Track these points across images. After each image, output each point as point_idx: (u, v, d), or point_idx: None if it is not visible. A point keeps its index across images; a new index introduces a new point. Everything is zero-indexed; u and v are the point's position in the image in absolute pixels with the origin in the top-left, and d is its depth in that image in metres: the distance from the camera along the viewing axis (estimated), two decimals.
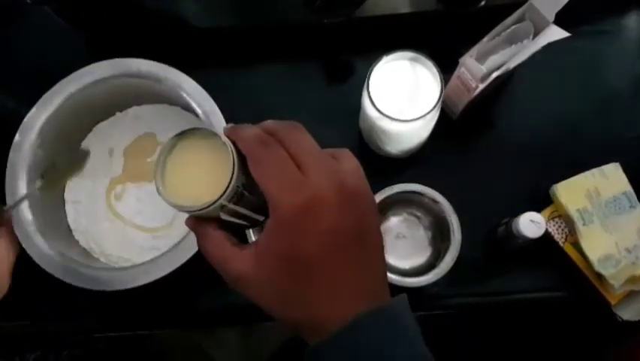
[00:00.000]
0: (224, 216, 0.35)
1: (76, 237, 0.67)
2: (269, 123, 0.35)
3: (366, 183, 0.35)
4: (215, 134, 0.34)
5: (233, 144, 0.34)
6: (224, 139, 0.33)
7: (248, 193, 0.35)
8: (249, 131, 0.33)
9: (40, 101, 0.64)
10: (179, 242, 0.60)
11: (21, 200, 0.54)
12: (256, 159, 0.32)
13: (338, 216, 0.32)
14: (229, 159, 0.33)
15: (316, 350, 0.32)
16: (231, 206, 0.34)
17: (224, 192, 0.32)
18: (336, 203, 0.32)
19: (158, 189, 0.34)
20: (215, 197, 0.32)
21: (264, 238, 0.33)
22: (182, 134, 0.35)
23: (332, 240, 0.32)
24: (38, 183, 0.56)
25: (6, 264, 0.48)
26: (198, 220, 0.36)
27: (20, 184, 0.62)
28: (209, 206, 0.32)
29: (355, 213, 0.33)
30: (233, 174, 0.32)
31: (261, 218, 0.38)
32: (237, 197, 0.34)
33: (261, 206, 0.35)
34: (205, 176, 0.34)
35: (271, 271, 0.33)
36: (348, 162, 0.35)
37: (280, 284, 0.33)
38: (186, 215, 0.36)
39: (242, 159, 0.33)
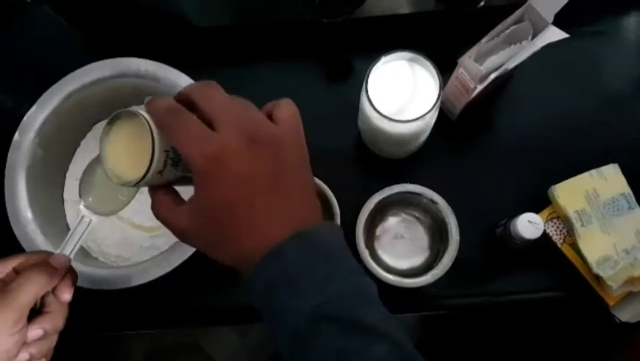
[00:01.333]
0: (168, 179, 0.38)
1: None
2: (185, 87, 0.38)
3: (294, 129, 0.38)
4: (133, 113, 0.37)
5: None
6: (143, 115, 0.37)
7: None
8: (159, 103, 0.37)
9: (40, 100, 0.64)
10: (178, 241, 0.60)
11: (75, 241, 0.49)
12: (167, 128, 0.36)
13: (248, 163, 0.35)
14: (148, 133, 0.36)
15: (246, 281, 0.36)
16: (169, 170, 0.37)
17: (150, 164, 0.36)
18: (246, 151, 0.35)
19: (105, 171, 0.38)
20: (144, 170, 0.36)
21: (194, 193, 0.36)
22: (113, 118, 0.38)
23: (244, 183, 0.35)
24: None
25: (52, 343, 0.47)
26: (153, 188, 0.39)
27: (19, 183, 0.62)
28: (142, 179, 0.36)
29: (268, 160, 0.36)
30: (154, 146, 0.36)
31: None
32: (173, 160, 0.37)
33: None
34: (137, 152, 0.37)
35: (200, 220, 0.36)
36: (282, 111, 0.38)
37: (208, 230, 0.36)
38: None
39: None
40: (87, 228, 0.50)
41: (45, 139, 0.64)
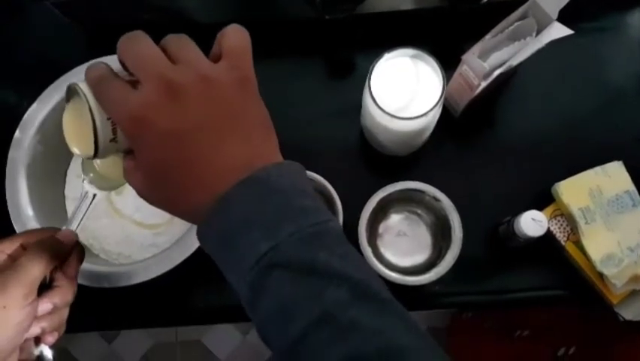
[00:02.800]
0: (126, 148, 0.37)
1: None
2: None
3: (235, 62, 0.37)
4: (73, 89, 0.36)
5: None
6: (80, 88, 0.35)
7: None
8: (91, 73, 0.35)
9: (41, 97, 0.64)
10: (180, 239, 0.60)
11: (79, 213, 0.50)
12: (97, 96, 0.35)
13: (172, 117, 0.33)
14: (85, 105, 0.35)
15: (199, 237, 0.35)
16: (123, 136, 0.36)
17: (95, 135, 0.35)
18: (168, 105, 0.33)
19: (71, 147, 0.38)
20: (93, 142, 0.35)
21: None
22: (68, 97, 0.38)
23: (173, 140, 0.33)
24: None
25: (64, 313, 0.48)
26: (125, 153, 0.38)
27: (20, 181, 0.62)
28: (97, 151, 0.35)
29: (196, 108, 0.33)
30: (93, 117, 0.35)
31: None
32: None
33: None
34: (84, 126, 0.36)
35: (147, 181, 0.36)
36: (226, 40, 0.37)
37: (156, 190, 0.36)
38: None
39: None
40: (91, 203, 0.50)
41: (46, 136, 0.64)
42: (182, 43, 0.36)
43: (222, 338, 1.44)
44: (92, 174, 0.49)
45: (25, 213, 0.61)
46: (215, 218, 0.33)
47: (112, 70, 0.35)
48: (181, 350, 1.45)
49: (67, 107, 0.39)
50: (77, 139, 0.38)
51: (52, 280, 0.46)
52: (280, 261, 0.32)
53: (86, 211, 0.50)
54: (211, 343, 1.44)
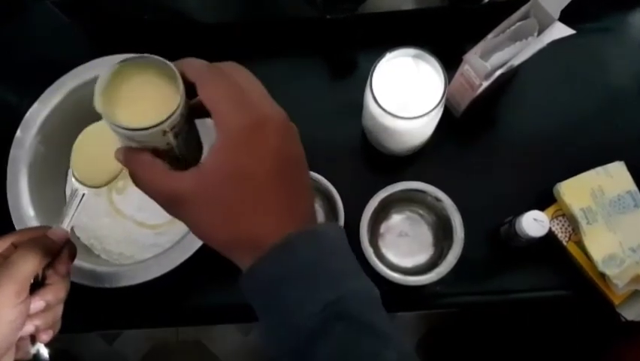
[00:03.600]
0: (163, 143, 0.35)
1: (77, 233, 0.67)
2: (216, 63, 0.36)
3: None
4: (162, 62, 0.34)
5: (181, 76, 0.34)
6: (171, 65, 0.34)
7: (187, 129, 0.36)
8: (198, 61, 0.34)
9: (42, 96, 0.64)
10: (181, 239, 0.60)
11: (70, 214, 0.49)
12: (204, 81, 0.33)
13: (282, 140, 0.34)
14: (176, 87, 0.33)
15: (251, 269, 0.33)
16: (171, 137, 0.34)
17: (172, 113, 0.33)
18: (281, 129, 0.34)
19: (99, 110, 0.34)
20: (163, 117, 0.32)
21: (210, 158, 0.33)
22: (130, 61, 0.35)
23: (277, 161, 0.33)
24: None
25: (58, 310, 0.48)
26: (130, 149, 0.36)
27: (21, 180, 0.62)
28: (155, 126, 0.33)
29: (295, 143, 0.35)
30: (181, 98, 0.33)
31: (196, 157, 0.39)
32: (177, 129, 0.34)
33: (195, 147, 0.37)
34: (151, 100, 0.34)
35: (218, 189, 0.33)
36: None
37: (226, 201, 0.33)
38: None
39: (186, 91, 0.34)
40: (80, 200, 0.50)
41: (47, 136, 0.64)
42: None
43: (223, 338, 1.44)
44: (77, 172, 0.50)
45: (27, 213, 0.61)
46: (278, 259, 0.33)
47: None
48: (182, 350, 1.45)
49: (135, 72, 0.35)
50: (137, 110, 0.35)
51: (44, 278, 0.46)
52: (344, 313, 0.32)
53: (76, 210, 0.50)
54: (212, 343, 1.44)
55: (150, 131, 0.33)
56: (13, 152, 0.62)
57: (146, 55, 0.35)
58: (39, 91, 0.64)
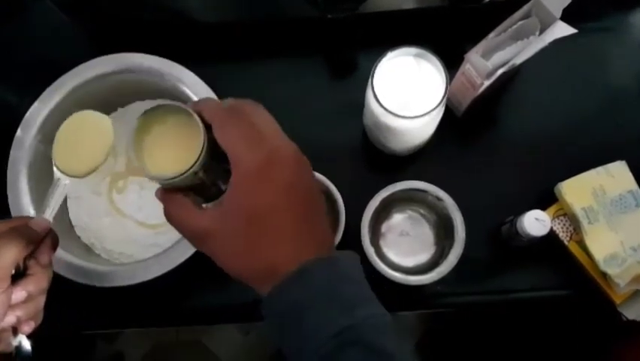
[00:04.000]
0: (193, 183, 0.38)
1: (78, 233, 0.67)
2: (229, 99, 0.38)
3: None
4: (181, 108, 0.37)
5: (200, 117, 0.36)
6: (191, 110, 0.36)
7: (214, 166, 0.38)
8: (212, 102, 0.37)
9: (42, 96, 0.64)
10: (181, 239, 0.60)
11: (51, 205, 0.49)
12: (221, 122, 0.36)
13: (295, 172, 0.36)
14: (198, 129, 0.36)
15: (270, 296, 0.35)
16: (200, 174, 0.37)
17: (198, 157, 0.35)
18: (294, 161, 0.36)
19: (134, 162, 0.37)
20: (189, 165, 0.35)
21: (228, 194, 0.35)
22: (150, 112, 0.37)
23: (290, 192, 0.35)
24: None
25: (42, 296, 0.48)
26: (167, 190, 0.38)
27: (22, 180, 0.62)
28: (184, 173, 0.35)
29: (308, 174, 0.37)
30: (204, 141, 0.35)
31: (225, 178, 0.40)
32: (207, 165, 0.37)
33: (222, 171, 0.38)
34: (178, 148, 0.37)
35: (236, 222, 0.35)
36: None
37: (244, 234, 0.35)
38: None
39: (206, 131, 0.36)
40: (63, 190, 0.50)
41: (47, 135, 0.64)
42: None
43: (223, 338, 1.44)
44: (57, 161, 0.49)
45: (27, 213, 0.61)
46: (294, 286, 0.34)
47: None
48: (182, 350, 1.44)
49: (156, 122, 0.38)
50: (166, 158, 0.37)
51: (26, 268, 0.46)
52: (356, 340, 0.33)
53: (59, 200, 0.50)
54: (212, 343, 1.44)
55: (182, 177, 0.35)
56: (14, 152, 0.62)
57: (164, 103, 0.37)
58: (39, 90, 0.64)
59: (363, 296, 0.36)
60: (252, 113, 0.36)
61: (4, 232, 0.45)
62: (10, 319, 0.45)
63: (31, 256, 0.46)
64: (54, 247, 0.49)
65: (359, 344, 0.33)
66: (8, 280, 0.43)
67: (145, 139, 0.38)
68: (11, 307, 0.44)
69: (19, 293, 0.45)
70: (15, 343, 0.46)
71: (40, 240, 0.47)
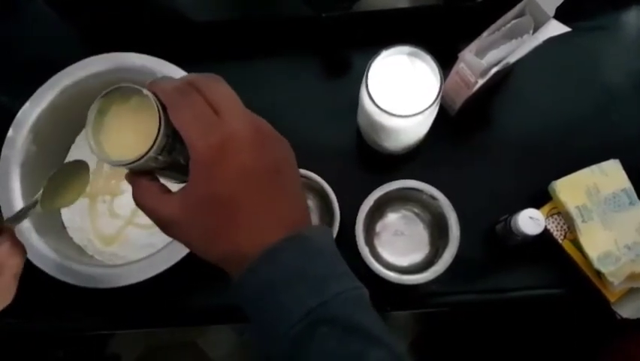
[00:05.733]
0: (158, 166, 0.37)
1: (71, 234, 0.66)
2: (188, 75, 0.37)
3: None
4: (138, 90, 0.35)
5: (157, 97, 0.35)
6: (147, 93, 0.35)
7: (179, 145, 0.36)
8: (167, 82, 0.35)
9: (34, 95, 0.63)
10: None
11: (21, 214, 0.46)
12: (174, 106, 0.34)
13: (252, 155, 0.34)
14: (155, 112, 0.34)
15: (239, 281, 0.34)
16: (163, 157, 0.36)
17: (154, 143, 0.34)
18: (251, 143, 0.34)
19: (92, 149, 0.36)
20: (146, 148, 0.34)
21: (188, 182, 0.35)
22: (108, 94, 0.36)
23: (247, 177, 0.34)
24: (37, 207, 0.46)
25: (11, 272, 0.45)
26: (135, 173, 0.38)
27: (14, 180, 0.61)
28: (141, 158, 0.34)
29: (269, 154, 0.35)
30: (159, 124, 0.34)
31: None
32: (168, 148, 0.36)
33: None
34: (136, 131, 0.36)
35: (195, 211, 0.34)
36: None
37: (204, 222, 0.34)
38: None
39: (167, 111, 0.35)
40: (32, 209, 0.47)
41: (39, 135, 0.63)
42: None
43: (218, 339, 1.44)
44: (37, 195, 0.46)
45: None
46: (263, 268, 0.34)
47: None
48: (176, 351, 1.44)
49: (113, 105, 0.37)
50: (122, 142, 0.36)
51: None
52: (327, 317, 0.33)
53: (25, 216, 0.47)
54: (206, 344, 1.43)
55: (140, 162, 0.34)
56: (5, 152, 0.62)
57: (122, 85, 0.36)
58: (31, 90, 0.63)
59: (334, 272, 0.35)
60: (209, 89, 0.35)
61: None
62: None
63: None
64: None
65: (330, 322, 0.33)
66: None
67: (105, 123, 0.37)
68: None
69: None
70: None
71: None
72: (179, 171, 0.38)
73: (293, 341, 0.33)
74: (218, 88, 0.35)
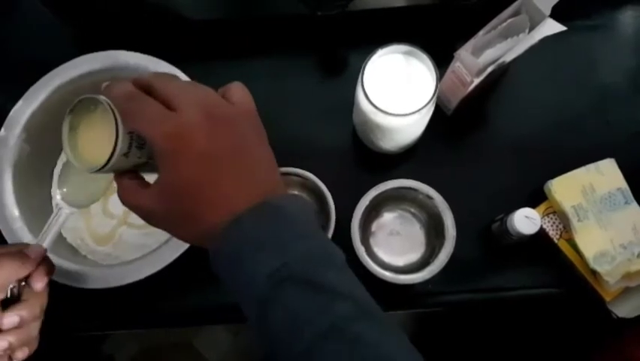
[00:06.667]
0: (135, 163, 0.39)
1: (64, 234, 0.65)
2: (141, 77, 0.38)
3: (248, 109, 0.39)
4: (96, 98, 0.38)
5: None
6: (103, 99, 0.37)
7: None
8: (116, 89, 0.37)
9: (27, 94, 0.63)
10: (169, 239, 0.59)
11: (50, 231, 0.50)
12: (126, 112, 0.36)
13: (208, 139, 0.36)
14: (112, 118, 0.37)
15: (212, 257, 0.36)
16: (134, 153, 0.38)
17: (115, 145, 0.36)
18: (205, 129, 0.36)
19: (72, 161, 0.39)
20: (109, 153, 0.36)
21: (159, 174, 0.37)
22: (74, 109, 0.39)
23: (207, 160, 0.36)
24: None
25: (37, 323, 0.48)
26: (120, 174, 0.40)
27: (6, 180, 0.61)
28: (109, 160, 0.36)
29: (225, 136, 0.37)
30: (117, 127, 0.36)
31: None
32: (138, 143, 0.38)
33: None
34: (103, 136, 0.37)
35: (168, 199, 0.37)
36: (233, 94, 0.39)
37: (177, 208, 0.37)
38: None
39: None
40: (64, 220, 0.50)
41: (32, 135, 0.63)
42: (207, 88, 0.39)
43: (213, 339, 1.43)
44: (65, 189, 0.50)
45: (11, 214, 0.60)
46: (229, 237, 0.35)
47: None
48: (171, 352, 1.43)
49: (76, 117, 0.39)
50: (90, 149, 0.39)
51: (20, 294, 0.46)
52: (290, 276, 0.34)
53: (58, 228, 0.50)
54: (202, 345, 1.43)
55: (110, 165, 0.37)
56: None
57: (83, 97, 0.38)
58: (24, 88, 0.63)
59: (301, 234, 0.36)
60: (160, 86, 0.37)
61: None
62: (2, 344, 0.45)
63: (25, 282, 0.47)
64: (49, 274, 0.49)
65: (295, 280, 0.34)
66: None
67: (78, 135, 0.39)
68: (4, 332, 0.44)
69: (11, 318, 0.45)
70: None
71: (34, 266, 0.47)
72: (152, 164, 0.40)
73: (260, 303, 0.34)
74: (168, 85, 0.37)
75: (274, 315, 0.34)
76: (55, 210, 0.50)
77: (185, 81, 0.38)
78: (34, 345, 0.48)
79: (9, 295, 0.45)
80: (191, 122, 0.35)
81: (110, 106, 0.37)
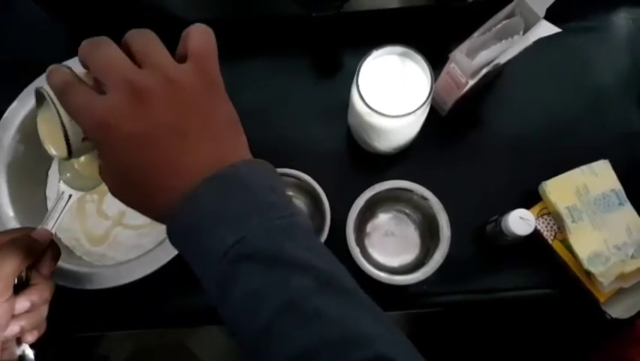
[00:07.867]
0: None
1: (59, 234, 0.65)
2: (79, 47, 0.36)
3: (201, 64, 0.35)
4: (41, 92, 0.36)
5: None
6: (44, 90, 0.36)
7: None
8: (52, 78, 0.35)
9: (21, 95, 0.62)
10: (164, 240, 0.59)
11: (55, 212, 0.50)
12: (62, 102, 0.35)
13: (134, 121, 0.33)
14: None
15: (168, 234, 0.35)
16: None
17: (66, 136, 0.35)
18: (135, 108, 0.33)
19: (47, 150, 0.39)
20: (65, 144, 0.36)
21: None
22: (37, 99, 0.38)
23: (140, 145, 0.33)
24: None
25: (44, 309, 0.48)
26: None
27: (0, 180, 0.61)
28: (70, 148, 0.36)
29: (164, 110, 0.33)
30: (62, 121, 0.35)
31: None
32: None
33: None
34: (55, 127, 0.36)
35: (115, 185, 0.36)
36: (191, 42, 0.36)
37: (125, 192, 0.36)
38: None
39: None
40: (67, 203, 0.50)
41: (27, 135, 0.62)
42: (148, 43, 0.35)
43: (207, 341, 1.43)
44: (68, 174, 0.50)
45: (6, 214, 0.60)
46: (182, 215, 0.33)
47: (75, 75, 0.35)
48: (166, 353, 1.43)
49: (38, 111, 0.39)
50: (51, 141, 0.38)
51: (28, 278, 0.47)
52: (247, 252, 0.32)
53: (62, 212, 0.50)
54: (195, 346, 1.42)
55: (76, 150, 0.36)
56: None
57: (35, 89, 0.37)
58: (18, 89, 0.63)
59: (258, 205, 0.33)
60: (87, 60, 0.34)
61: (5, 243, 0.45)
62: (14, 328, 0.45)
63: (33, 266, 0.47)
64: (56, 258, 0.49)
65: (250, 257, 0.32)
66: (10, 290, 0.43)
67: (39, 126, 0.39)
68: (15, 317, 0.44)
69: (22, 303, 0.45)
70: (19, 352, 0.47)
71: (42, 251, 0.47)
72: None
73: (218, 282, 0.33)
74: (97, 56, 0.34)
75: (232, 294, 0.32)
76: (58, 195, 0.50)
77: (117, 49, 0.34)
78: (43, 328, 0.48)
79: (16, 280, 0.46)
80: (114, 105, 0.33)
81: (49, 97, 0.35)
